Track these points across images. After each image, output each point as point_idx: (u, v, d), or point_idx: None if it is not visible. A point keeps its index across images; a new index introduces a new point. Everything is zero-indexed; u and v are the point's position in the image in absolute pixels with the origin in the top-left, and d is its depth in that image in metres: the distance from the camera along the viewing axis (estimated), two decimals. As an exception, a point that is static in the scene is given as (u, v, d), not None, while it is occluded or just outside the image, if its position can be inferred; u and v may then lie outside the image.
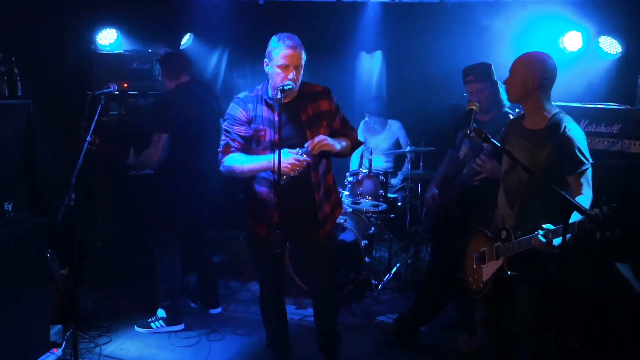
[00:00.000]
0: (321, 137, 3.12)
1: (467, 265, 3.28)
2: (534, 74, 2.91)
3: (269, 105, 3.20)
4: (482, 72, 3.78)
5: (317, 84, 3.34)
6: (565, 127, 2.88)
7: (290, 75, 3.07)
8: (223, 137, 3.28)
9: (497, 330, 3.27)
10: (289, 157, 3.04)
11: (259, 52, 3.37)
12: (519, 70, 2.97)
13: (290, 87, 3.05)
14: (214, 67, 6.49)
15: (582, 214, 2.50)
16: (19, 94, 3.59)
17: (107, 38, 5.13)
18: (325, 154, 3.30)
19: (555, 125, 2.91)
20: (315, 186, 3.28)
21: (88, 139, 3.17)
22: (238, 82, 6.48)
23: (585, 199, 2.82)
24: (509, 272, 2.93)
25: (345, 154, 3.43)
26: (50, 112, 4.31)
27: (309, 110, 3.24)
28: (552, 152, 2.86)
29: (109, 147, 4.11)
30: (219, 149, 3.28)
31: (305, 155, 3.07)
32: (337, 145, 3.24)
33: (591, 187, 2.88)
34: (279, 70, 3.09)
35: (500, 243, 2.99)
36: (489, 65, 3.83)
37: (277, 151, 2.94)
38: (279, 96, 3.00)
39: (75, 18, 5.00)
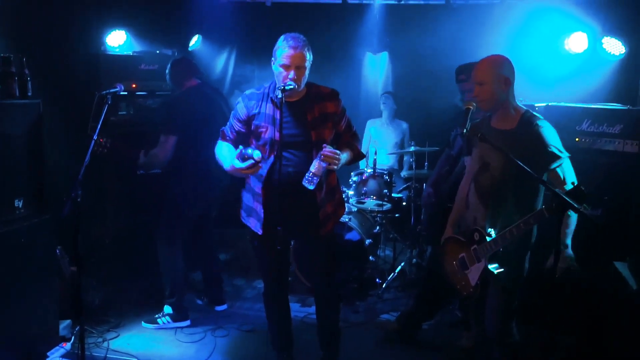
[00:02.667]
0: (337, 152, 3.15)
1: (450, 274, 3.27)
2: (504, 77, 2.94)
3: (274, 103, 3.26)
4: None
5: (326, 87, 3.39)
6: (536, 124, 2.92)
7: (290, 75, 3.13)
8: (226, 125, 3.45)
9: None
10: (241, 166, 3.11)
11: (265, 52, 3.45)
12: (487, 77, 2.95)
13: (291, 87, 3.11)
14: (222, 67, 6.57)
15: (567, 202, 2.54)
16: (29, 94, 3.67)
17: (116, 39, 5.21)
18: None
19: (526, 124, 2.95)
20: (318, 186, 3.33)
21: (94, 137, 3.24)
22: (245, 82, 6.55)
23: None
24: (495, 272, 2.97)
25: (347, 165, 3.47)
26: (60, 112, 4.39)
27: (315, 111, 3.29)
28: (525, 151, 2.86)
29: (120, 150, 4.19)
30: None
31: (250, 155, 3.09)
32: (343, 160, 3.26)
33: (571, 179, 2.93)
34: (281, 69, 3.16)
35: (476, 246, 3.03)
36: None
37: (276, 148, 3.02)
38: (279, 95, 3.07)
39: (85, 20, 5.09)
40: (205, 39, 6.14)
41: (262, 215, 3.34)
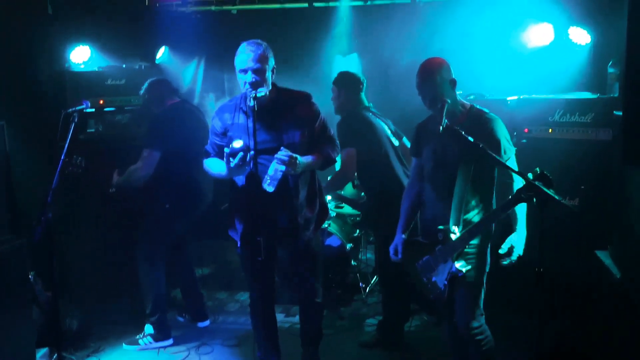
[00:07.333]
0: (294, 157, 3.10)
1: (416, 279, 3.21)
2: (449, 77, 3.01)
3: (245, 113, 3.22)
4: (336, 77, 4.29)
5: (298, 90, 3.37)
6: (486, 118, 2.99)
7: (248, 79, 3.10)
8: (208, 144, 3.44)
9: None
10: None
11: (233, 60, 3.38)
12: (435, 76, 2.99)
13: (262, 94, 3.08)
14: (191, 78, 6.48)
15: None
16: (-8, 115, 3.56)
17: (81, 55, 5.10)
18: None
19: (475, 118, 3.00)
20: (294, 191, 3.29)
21: (62, 157, 3.15)
22: (215, 91, 6.47)
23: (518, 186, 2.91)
24: (464, 270, 2.95)
25: (316, 169, 3.43)
26: (25, 132, 4.27)
27: (287, 115, 3.26)
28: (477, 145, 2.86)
29: (95, 169, 4.12)
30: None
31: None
32: (304, 164, 3.20)
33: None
34: (240, 75, 3.15)
35: (441, 246, 2.99)
36: (341, 73, 4.34)
37: (249, 158, 3.03)
38: (251, 103, 3.03)
39: (47, 36, 4.96)
40: (172, 50, 6.04)
41: (241, 226, 3.30)
